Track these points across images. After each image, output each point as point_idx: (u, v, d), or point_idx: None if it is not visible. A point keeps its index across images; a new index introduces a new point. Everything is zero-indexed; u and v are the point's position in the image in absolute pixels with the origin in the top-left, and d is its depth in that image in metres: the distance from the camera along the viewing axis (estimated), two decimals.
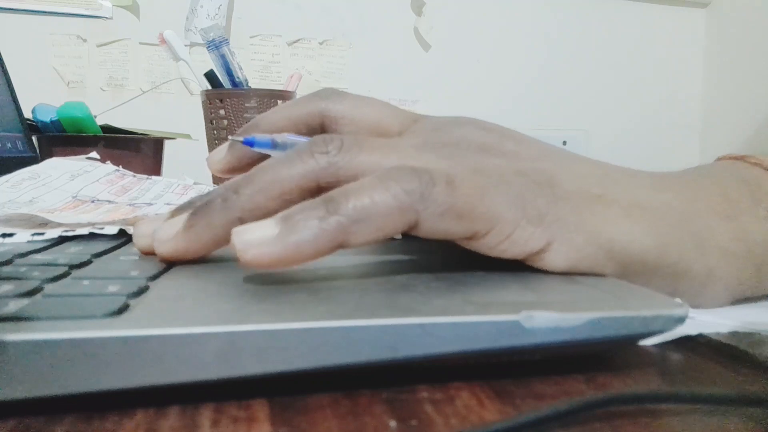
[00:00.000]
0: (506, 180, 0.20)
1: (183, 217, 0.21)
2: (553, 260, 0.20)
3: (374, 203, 0.17)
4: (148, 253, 0.22)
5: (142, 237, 0.22)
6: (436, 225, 0.18)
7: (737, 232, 0.23)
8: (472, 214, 0.18)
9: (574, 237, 0.20)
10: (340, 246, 0.17)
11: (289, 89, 0.64)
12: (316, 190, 0.19)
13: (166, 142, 0.69)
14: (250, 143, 0.24)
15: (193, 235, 0.20)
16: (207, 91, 0.62)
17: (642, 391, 0.14)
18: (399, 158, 0.20)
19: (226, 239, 0.20)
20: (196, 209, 0.20)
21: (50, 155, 0.54)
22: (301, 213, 0.17)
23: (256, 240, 0.17)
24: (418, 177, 0.18)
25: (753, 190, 0.25)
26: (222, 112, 0.60)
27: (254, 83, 0.69)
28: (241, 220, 0.19)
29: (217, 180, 0.58)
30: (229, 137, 0.26)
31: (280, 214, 0.18)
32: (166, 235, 0.21)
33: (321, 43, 1.23)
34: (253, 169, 0.20)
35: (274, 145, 0.24)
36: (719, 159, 0.28)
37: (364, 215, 0.17)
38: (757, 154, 0.27)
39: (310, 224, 0.17)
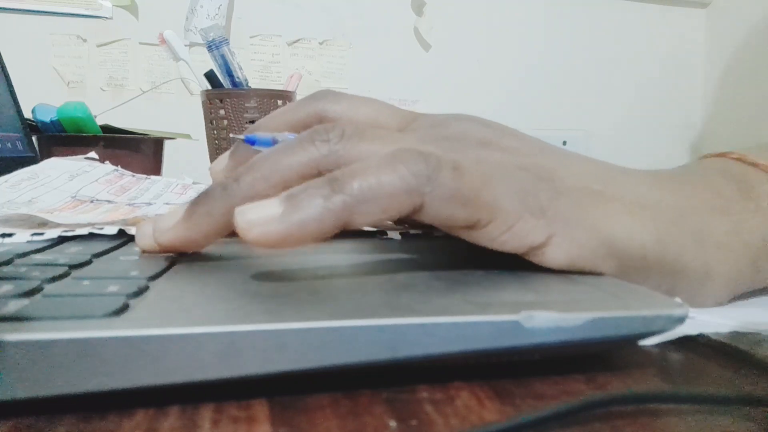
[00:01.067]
0: (508, 172, 0.20)
1: (183, 207, 0.20)
2: (554, 255, 0.20)
3: (380, 184, 0.17)
4: (151, 253, 0.22)
5: (144, 236, 0.22)
6: (440, 210, 0.18)
7: (732, 226, 0.23)
8: (477, 202, 0.18)
9: (575, 232, 0.20)
10: (345, 226, 0.17)
11: (289, 89, 0.64)
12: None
13: (166, 142, 0.69)
14: (251, 141, 0.25)
15: (193, 224, 0.20)
16: (207, 91, 0.62)
17: (642, 391, 0.14)
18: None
19: (226, 227, 0.20)
20: (196, 198, 0.20)
21: (50, 155, 0.54)
22: (305, 192, 0.17)
23: (260, 219, 0.17)
24: (425, 160, 0.18)
25: (740, 186, 0.25)
26: (222, 112, 0.60)
27: (254, 83, 0.69)
28: None
29: None
30: (231, 135, 0.26)
31: (284, 193, 0.18)
32: (166, 225, 0.20)
33: (321, 43, 1.22)
34: (254, 158, 0.20)
35: (274, 143, 0.24)
36: (702, 157, 0.29)
37: (370, 195, 0.17)
38: (737, 149, 0.27)
39: (314, 203, 0.17)
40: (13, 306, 0.15)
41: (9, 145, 0.53)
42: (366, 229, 0.31)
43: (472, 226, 0.19)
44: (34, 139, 0.59)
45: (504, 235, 0.19)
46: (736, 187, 0.25)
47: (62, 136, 0.61)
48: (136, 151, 0.64)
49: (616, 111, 1.40)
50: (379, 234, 0.30)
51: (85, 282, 0.18)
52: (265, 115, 0.59)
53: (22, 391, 0.13)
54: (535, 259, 0.20)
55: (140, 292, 0.17)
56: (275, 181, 0.19)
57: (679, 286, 0.21)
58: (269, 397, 0.14)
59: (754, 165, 0.26)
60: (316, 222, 0.17)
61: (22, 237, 0.27)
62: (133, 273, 0.19)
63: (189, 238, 0.20)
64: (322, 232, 0.17)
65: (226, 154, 0.28)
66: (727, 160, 0.27)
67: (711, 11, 1.43)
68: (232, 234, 0.19)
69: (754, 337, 0.19)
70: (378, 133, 0.20)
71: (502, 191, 0.19)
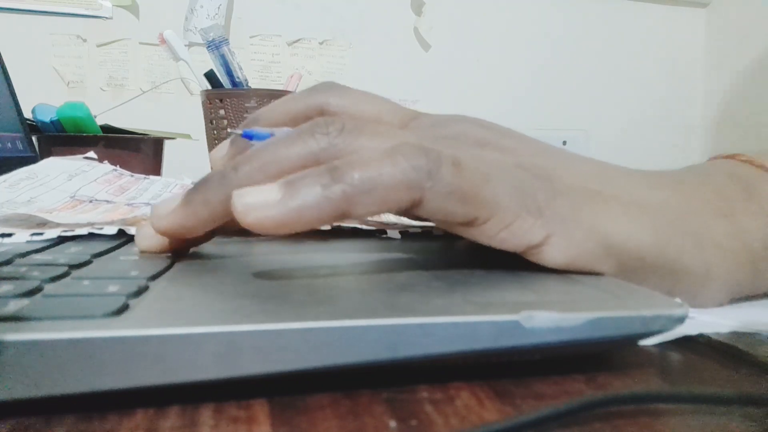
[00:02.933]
0: (507, 171, 0.20)
1: (181, 194, 0.20)
2: (552, 255, 0.20)
3: (381, 175, 0.17)
4: (151, 253, 0.22)
5: (144, 238, 0.22)
6: (439, 205, 0.18)
7: (733, 229, 0.23)
8: (476, 199, 0.18)
9: (574, 232, 0.20)
10: (343, 216, 0.17)
11: (289, 89, 0.64)
12: None
13: (166, 142, 0.69)
14: (249, 136, 0.24)
15: (190, 211, 0.20)
16: (207, 91, 0.62)
17: (642, 391, 0.14)
18: None
19: (223, 215, 0.19)
20: (194, 185, 0.20)
21: (50, 155, 0.54)
22: (304, 179, 0.17)
23: (258, 203, 0.17)
24: (427, 155, 0.18)
25: (745, 188, 0.25)
26: (222, 112, 0.60)
27: (254, 83, 0.68)
28: None
29: None
30: (229, 130, 0.26)
31: (283, 179, 0.18)
32: (164, 211, 0.20)
33: (321, 43, 1.22)
34: (253, 148, 0.20)
35: None
36: (711, 158, 0.29)
37: (370, 186, 0.17)
38: (747, 152, 0.27)
39: (313, 191, 0.17)
40: (13, 306, 0.15)
41: (9, 145, 0.53)
42: (365, 228, 0.31)
43: (470, 223, 0.19)
44: (34, 139, 0.59)
45: (502, 232, 0.19)
46: (740, 189, 0.25)
47: (62, 136, 0.61)
48: (136, 151, 0.64)
49: (616, 111, 1.40)
50: (378, 233, 0.30)
51: (85, 282, 0.17)
52: None
53: (22, 391, 0.13)
54: (534, 258, 0.20)
55: (140, 292, 0.17)
56: (273, 171, 0.19)
57: (678, 287, 0.21)
58: (269, 397, 0.14)
59: (762, 168, 0.26)
60: (314, 210, 0.17)
61: (21, 237, 0.27)
62: (133, 273, 0.19)
63: (186, 224, 0.20)
64: (320, 220, 0.17)
65: (226, 142, 0.28)
66: (735, 162, 0.27)
67: (711, 11, 1.43)
68: (232, 233, 0.19)
69: (754, 337, 0.19)
70: (378, 129, 0.20)
71: (501, 189, 0.19)
